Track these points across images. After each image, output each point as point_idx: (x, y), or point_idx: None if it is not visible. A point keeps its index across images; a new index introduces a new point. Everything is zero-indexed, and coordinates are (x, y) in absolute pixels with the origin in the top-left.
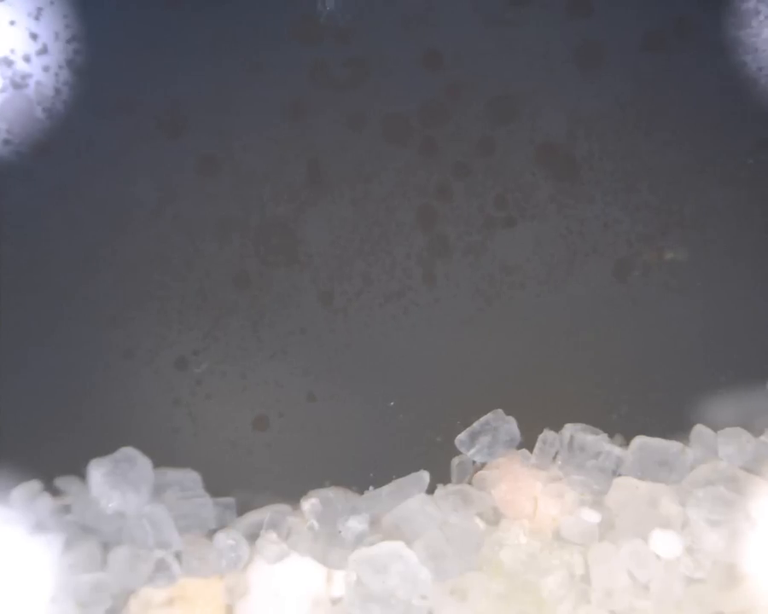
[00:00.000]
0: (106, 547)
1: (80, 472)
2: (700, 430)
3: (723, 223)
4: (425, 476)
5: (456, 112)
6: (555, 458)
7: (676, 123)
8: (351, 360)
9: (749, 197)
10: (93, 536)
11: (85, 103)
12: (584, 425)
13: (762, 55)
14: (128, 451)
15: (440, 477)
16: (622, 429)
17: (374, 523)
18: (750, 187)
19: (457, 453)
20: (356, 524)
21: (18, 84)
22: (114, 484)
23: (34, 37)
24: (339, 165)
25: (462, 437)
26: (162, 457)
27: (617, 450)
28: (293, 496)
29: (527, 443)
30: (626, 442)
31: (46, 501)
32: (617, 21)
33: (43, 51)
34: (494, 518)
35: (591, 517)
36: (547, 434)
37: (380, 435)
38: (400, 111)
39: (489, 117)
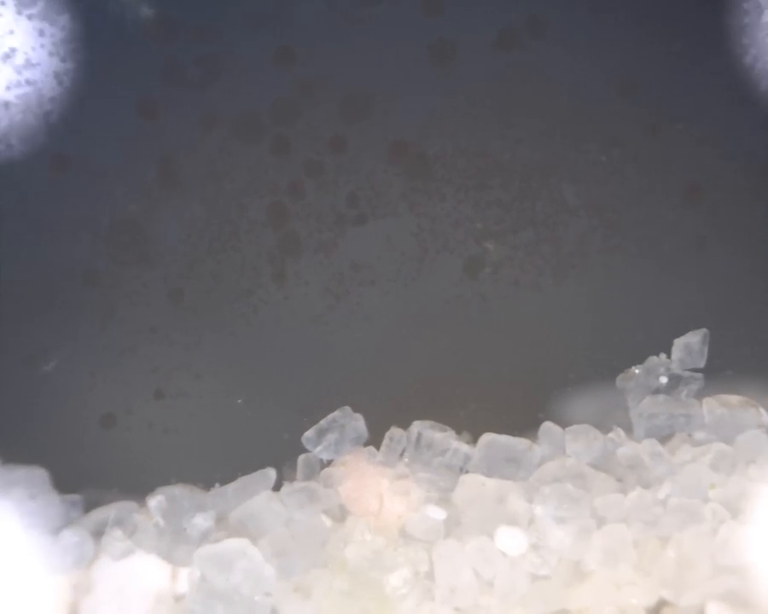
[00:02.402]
0: None
1: None
2: (548, 427)
3: (574, 220)
4: (271, 473)
5: (308, 109)
6: (402, 455)
7: (528, 120)
8: (199, 358)
9: (600, 195)
10: None
11: None
12: (431, 423)
13: (614, 53)
14: None
15: (287, 474)
16: (470, 426)
17: (220, 520)
18: (602, 185)
19: (304, 450)
20: (201, 521)
21: None
22: None
23: None
24: (190, 164)
25: (308, 434)
26: (9, 454)
27: (464, 447)
28: (139, 493)
29: (374, 440)
30: (474, 439)
31: None
32: (470, 19)
33: None
34: (340, 515)
35: (437, 514)
36: (394, 431)
37: (227, 432)
38: (252, 109)
39: (341, 114)
